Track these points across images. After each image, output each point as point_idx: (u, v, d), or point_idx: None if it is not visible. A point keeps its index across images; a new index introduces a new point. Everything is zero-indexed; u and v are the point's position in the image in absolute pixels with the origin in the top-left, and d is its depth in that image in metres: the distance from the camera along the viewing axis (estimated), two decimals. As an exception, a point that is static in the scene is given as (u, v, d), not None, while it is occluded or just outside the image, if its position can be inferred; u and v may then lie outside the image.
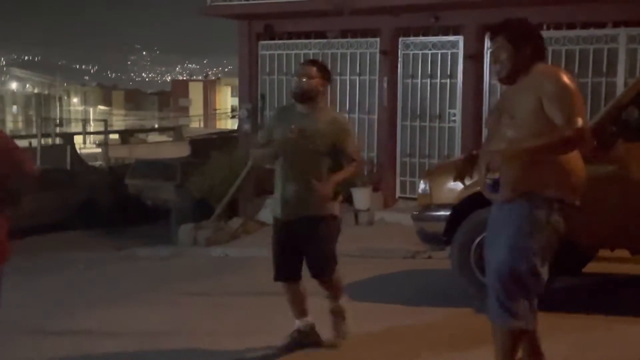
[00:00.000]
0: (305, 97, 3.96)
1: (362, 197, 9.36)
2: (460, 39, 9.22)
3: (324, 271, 4.09)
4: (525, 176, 2.99)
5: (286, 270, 4.08)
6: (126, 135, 33.36)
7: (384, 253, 7.40)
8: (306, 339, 4.13)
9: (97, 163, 22.28)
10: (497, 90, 9.00)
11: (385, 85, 9.78)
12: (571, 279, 5.41)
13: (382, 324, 4.67)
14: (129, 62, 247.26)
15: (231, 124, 41.57)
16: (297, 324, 4.15)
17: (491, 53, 3.23)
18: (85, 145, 25.84)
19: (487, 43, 9.16)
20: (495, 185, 3.06)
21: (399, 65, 9.74)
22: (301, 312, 4.15)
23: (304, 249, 4.04)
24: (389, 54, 9.72)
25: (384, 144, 9.88)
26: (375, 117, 9.98)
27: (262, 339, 4.31)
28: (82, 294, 6.61)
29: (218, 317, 5.19)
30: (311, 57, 10.38)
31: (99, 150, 24.29)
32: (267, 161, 4.26)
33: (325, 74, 4.05)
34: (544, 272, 3.07)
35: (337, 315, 4.18)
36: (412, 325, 4.66)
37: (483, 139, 9.41)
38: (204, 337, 4.57)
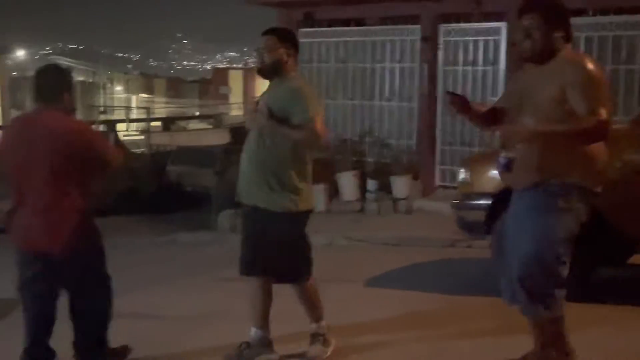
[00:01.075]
0: (269, 72, 3.65)
1: (401, 185, 9.31)
2: (503, 25, 9.04)
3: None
4: (546, 163, 2.94)
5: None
6: (167, 122, 33.85)
7: (423, 242, 7.36)
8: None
9: (139, 150, 22.67)
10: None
11: (425, 72, 9.68)
12: (615, 270, 5.30)
13: (419, 312, 4.66)
14: (170, 51, 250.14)
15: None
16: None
17: (522, 28, 3.07)
18: (128, 132, 26.31)
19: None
20: (508, 165, 2.99)
21: (440, 53, 9.62)
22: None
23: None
24: (430, 40, 9.61)
25: (423, 132, 9.80)
26: (415, 104, 9.89)
27: (295, 325, 4.33)
28: (124, 278, 6.72)
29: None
30: (352, 45, 10.36)
31: (141, 137, 24.72)
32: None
33: (289, 40, 3.68)
34: (567, 260, 3.03)
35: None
36: (449, 313, 4.63)
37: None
38: (239, 321, 4.62)
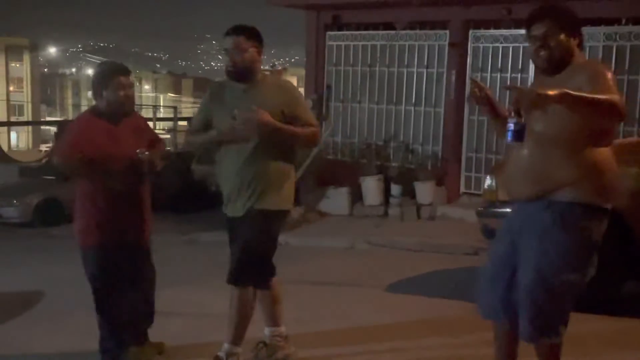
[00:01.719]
0: (243, 73, 3.48)
1: (425, 191, 9.25)
2: (532, 32, 8.96)
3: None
4: (552, 172, 2.79)
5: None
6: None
7: (445, 248, 7.30)
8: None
9: (166, 148, 22.75)
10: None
11: (453, 78, 9.61)
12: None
13: (438, 319, 4.61)
14: (198, 51, 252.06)
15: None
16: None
17: (536, 37, 2.91)
18: (155, 131, 26.52)
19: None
20: (518, 133, 2.67)
21: (468, 59, 9.55)
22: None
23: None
24: (458, 46, 9.54)
25: (449, 138, 9.73)
26: (442, 110, 9.83)
27: (313, 325, 4.32)
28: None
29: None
30: (379, 49, 10.33)
31: (168, 136, 24.91)
32: (207, 149, 3.79)
33: (257, 38, 3.51)
34: (584, 280, 2.88)
35: None
36: (469, 321, 4.57)
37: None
38: (259, 320, 4.63)
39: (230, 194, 3.59)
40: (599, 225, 2.84)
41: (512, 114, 2.66)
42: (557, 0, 3.45)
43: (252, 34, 3.50)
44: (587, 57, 3.24)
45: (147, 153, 3.58)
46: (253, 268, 3.56)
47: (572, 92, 2.60)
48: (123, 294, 3.74)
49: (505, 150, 3.28)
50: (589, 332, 4.20)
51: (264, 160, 3.47)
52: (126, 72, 3.66)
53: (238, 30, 3.49)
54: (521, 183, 2.91)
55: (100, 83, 3.64)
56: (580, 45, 2.95)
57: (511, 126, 2.68)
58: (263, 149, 3.45)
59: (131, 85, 3.67)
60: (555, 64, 2.89)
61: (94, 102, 3.77)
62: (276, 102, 3.44)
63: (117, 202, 3.59)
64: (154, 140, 3.84)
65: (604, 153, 2.83)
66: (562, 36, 2.87)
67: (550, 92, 2.58)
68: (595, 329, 4.27)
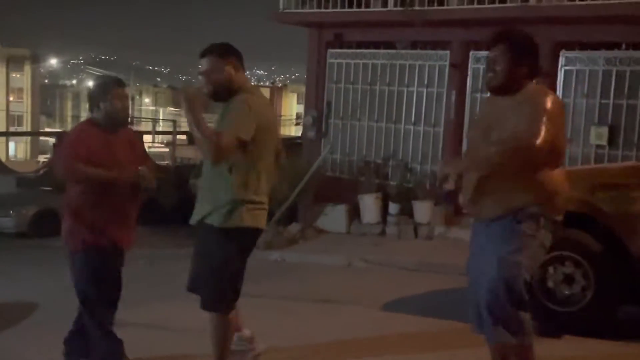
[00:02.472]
0: (221, 94, 3.42)
1: (423, 210, 9.26)
2: (532, 55, 9.02)
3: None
4: (510, 194, 2.96)
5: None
6: (193, 136, 34.04)
7: (442, 268, 7.28)
8: None
9: (164, 162, 22.82)
10: (569, 109, 8.78)
11: (453, 98, 9.66)
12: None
13: (434, 338, 4.59)
14: (199, 66, 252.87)
15: (295, 131, 41.88)
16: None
17: (487, 59, 3.11)
18: (154, 144, 26.58)
19: (562, 61, 8.94)
20: (447, 196, 3.11)
21: (468, 79, 9.60)
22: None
23: None
24: (459, 67, 9.60)
25: (448, 158, 9.74)
26: (441, 130, 9.86)
27: (308, 342, 4.31)
28: (143, 289, 6.76)
29: (268, 319, 5.22)
30: (380, 68, 10.38)
31: (167, 149, 24.95)
32: None
33: (231, 54, 3.43)
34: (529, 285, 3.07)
35: None
36: (465, 340, 4.56)
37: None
38: (255, 338, 4.61)
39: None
40: (550, 233, 3.06)
41: (439, 184, 3.10)
42: (517, 27, 3.53)
43: (225, 51, 3.42)
44: (546, 86, 3.40)
45: (145, 169, 3.70)
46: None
47: (476, 157, 2.99)
48: (111, 299, 3.84)
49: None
50: (585, 356, 4.19)
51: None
52: (123, 84, 3.84)
53: (209, 51, 3.42)
54: (482, 205, 3.08)
55: (99, 94, 3.76)
56: (534, 73, 3.04)
57: (444, 192, 3.11)
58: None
59: (127, 97, 3.81)
60: (497, 87, 3.05)
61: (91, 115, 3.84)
62: (224, 112, 3.37)
63: (109, 210, 3.70)
64: (145, 155, 3.98)
65: (554, 174, 3.00)
66: (509, 63, 2.99)
67: (452, 168, 3.05)
68: (592, 353, 4.25)
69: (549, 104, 2.94)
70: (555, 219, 3.06)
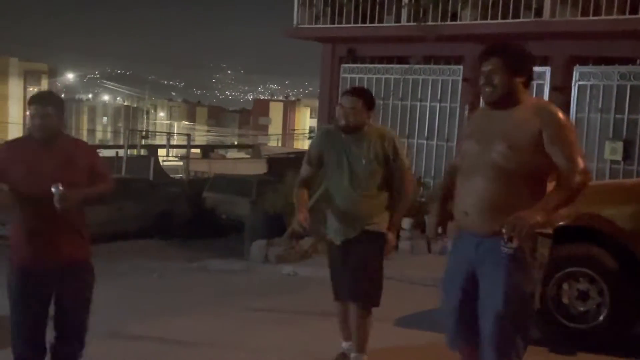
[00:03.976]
0: (351, 130, 4.00)
1: (436, 225, 9.21)
2: (547, 70, 9.00)
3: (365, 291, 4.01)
4: (509, 210, 2.85)
5: (340, 290, 4.08)
6: (207, 150, 34.28)
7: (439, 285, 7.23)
8: None
9: (178, 175, 22.93)
10: (583, 124, 8.74)
11: (466, 113, 9.65)
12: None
13: (447, 354, 4.55)
14: (214, 80, 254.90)
15: (308, 145, 41.96)
16: (344, 345, 4.17)
17: (483, 74, 3.08)
18: (168, 158, 26.73)
19: (576, 76, 8.91)
20: (511, 256, 2.85)
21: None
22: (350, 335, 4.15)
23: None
24: (472, 82, 9.59)
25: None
26: (454, 144, 9.84)
27: (319, 357, 4.29)
28: (155, 301, 6.78)
29: (280, 333, 5.22)
30: (393, 82, 10.40)
31: (181, 163, 25.08)
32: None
33: (371, 104, 4.08)
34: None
35: None
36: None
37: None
38: (265, 351, 4.62)
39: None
40: (546, 248, 3.00)
41: (505, 240, 2.81)
42: (512, 40, 3.52)
43: (369, 100, 4.05)
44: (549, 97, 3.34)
45: (61, 188, 3.38)
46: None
47: (545, 211, 2.80)
48: (37, 317, 3.57)
49: (445, 181, 3.37)
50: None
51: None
52: (41, 101, 3.62)
53: (357, 93, 4.04)
54: (481, 218, 2.97)
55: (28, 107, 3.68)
56: (527, 84, 3.03)
57: (510, 251, 2.84)
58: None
59: (46, 116, 3.56)
60: (497, 101, 3.02)
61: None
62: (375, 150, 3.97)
63: (38, 225, 3.51)
64: (96, 174, 3.65)
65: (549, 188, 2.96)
66: (506, 75, 2.98)
67: (533, 220, 2.76)
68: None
69: (564, 117, 2.94)
70: (548, 233, 2.98)
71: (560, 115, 2.94)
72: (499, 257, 2.90)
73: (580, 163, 2.86)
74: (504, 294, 2.91)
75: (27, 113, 3.71)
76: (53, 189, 3.38)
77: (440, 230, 3.29)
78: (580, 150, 2.93)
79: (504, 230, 2.79)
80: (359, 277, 3.90)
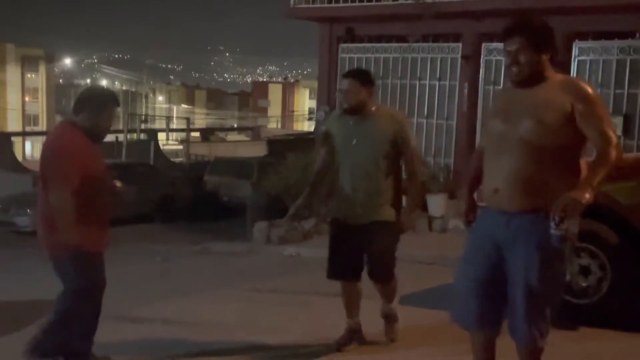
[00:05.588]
0: (354, 111, 4.06)
1: (437, 203, 9.24)
2: (546, 45, 8.96)
3: (385, 273, 4.18)
4: (548, 187, 2.87)
5: (348, 270, 4.18)
6: (207, 133, 34.23)
7: (457, 262, 7.26)
8: (353, 338, 4.22)
9: (178, 159, 22.94)
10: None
11: (465, 91, 9.62)
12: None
13: (451, 331, 4.58)
14: (212, 63, 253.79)
15: (308, 126, 41.92)
16: (349, 322, 4.25)
17: (508, 53, 2.98)
18: (168, 142, 26.71)
19: (575, 52, 8.87)
20: (563, 238, 2.80)
21: (481, 71, 9.56)
22: (355, 312, 4.26)
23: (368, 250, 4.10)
24: (471, 59, 9.56)
25: (462, 151, 9.72)
26: (454, 122, 9.83)
27: (322, 336, 4.33)
28: (159, 285, 6.83)
29: (283, 314, 5.26)
30: (392, 62, 10.35)
31: (181, 147, 25.08)
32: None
33: (370, 83, 4.10)
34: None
35: (390, 318, 4.31)
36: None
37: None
38: (268, 332, 4.65)
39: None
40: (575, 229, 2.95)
41: (557, 222, 2.76)
42: (535, 14, 3.48)
43: (365, 79, 4.07)
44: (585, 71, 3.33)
45: (120, 185, 3.84)
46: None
47: (592, 187, 2.76)
48: (99, 299, 3.90)
49: (472, 167, 3.34)
50: (600, 347, 4.17)
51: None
52: (119, 104, 3.86)
53: (351, 74, 4.11)
54: (513, 194, 2.94)
55: (99, 104, 3.66)
56: (553, 59, 3.00)
57: (560, 233, 2.79)
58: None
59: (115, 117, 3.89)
60: (525, 79, 2.96)
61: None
62: (387, 133, 4.03)
63: (98, 213, 3.73)
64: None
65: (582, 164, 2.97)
66: (533, 53, 2.93)
67: (584, 199, 2.73)
68: (607, 345, 4.23)
69: (596, 95, 2.94)
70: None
71: (591, 90, 2.92)
72: (529, 234, 2.90)
73: (613, 137, 2.87)
74: (538, 271, 2.90)
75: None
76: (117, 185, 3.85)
77: (471, 217, 3.27)
78: (611, 124, 2.92)
79: (552, 212, 2.74)
80: (377, 265, 4.12)
